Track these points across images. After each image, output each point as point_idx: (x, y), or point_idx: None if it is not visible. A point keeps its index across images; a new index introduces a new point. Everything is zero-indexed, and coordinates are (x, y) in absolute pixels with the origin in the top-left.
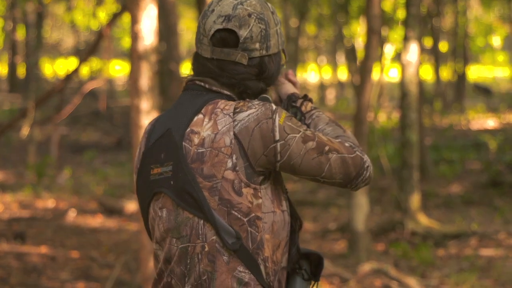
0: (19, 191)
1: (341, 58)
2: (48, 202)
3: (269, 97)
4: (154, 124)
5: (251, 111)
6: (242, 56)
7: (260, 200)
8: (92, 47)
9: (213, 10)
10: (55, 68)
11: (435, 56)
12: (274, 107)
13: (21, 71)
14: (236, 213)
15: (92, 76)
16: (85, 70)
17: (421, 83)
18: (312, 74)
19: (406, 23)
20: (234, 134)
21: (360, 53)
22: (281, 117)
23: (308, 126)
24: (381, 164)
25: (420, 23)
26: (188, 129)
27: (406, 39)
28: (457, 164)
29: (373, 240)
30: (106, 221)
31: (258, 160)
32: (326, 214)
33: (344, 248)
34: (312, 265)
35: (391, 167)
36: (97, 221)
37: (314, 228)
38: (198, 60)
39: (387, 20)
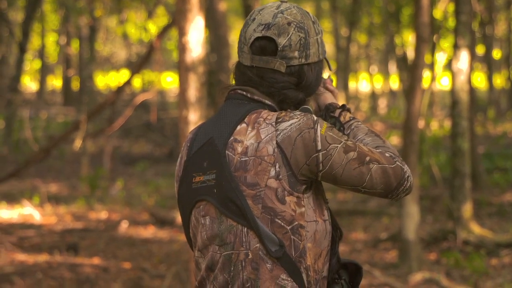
0: (73, 203)
1: (392, 67)
2: (101, 214)
3: (310, 108)
4: (196, 133)
5: (293, 121)
6: (280, 64)
7: (303, 209)
8: (143, 59)
9: (254, 19)
10: (108, 80)
11: (488, 64)
12: (315, 117)
13: (75, 84)
14: (279, 221)
15: (144, 88)
16: (137, 82)
17: (473, 91)
18: (364, 83)
19: (456, 31)
20: (277, 143)
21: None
22: (322, 128)
23: (347, 136)
24: (432, 173)
25: (471, 31)
26: (231, 137)
27: (456, 47)
28: (511, 173)
29: (424, 249)
30: (157, 232)
31: (301, 169)
32: (377, 224)
33: (395, 258)
34: (351, 275)
35: (443, 175)
36: (148, 232)
37: (365, 238)
38: (239, 69)
39: (439, 28)
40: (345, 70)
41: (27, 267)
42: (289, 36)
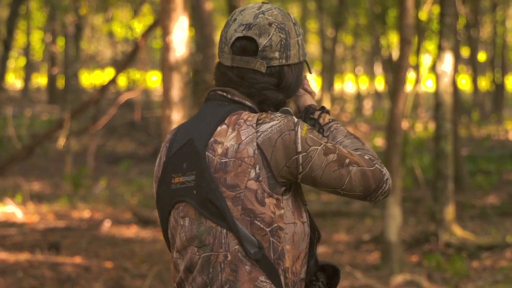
0: (55, 201)
1: (378, 68)
2: (84, 213)
3: (290, 110)
4: (175, 134)
5: (274, 122)
6: (261, 64)
7: (282, 211)
8: (128, 58)
9: (235, 19)
10: (93, 79)
11: (473, 66)
12: (296, 119)
13: (60, 82)
14: (259, 223)
15: (129, 87)
16: (122, 81)
17: (458, 93)
18: (349, 84)
19: (440, 33)
20: (257, 144)
21: None
22: (303, 129)
23: (327, 138)
24: (415, 175)
25: (456, 33)
26: (212, 139)
27: (440, 49)
28: (494, 175)
29: (407, 251)
30: (140, 232)
31: (281, 171)
32: (361, 225)
33: (377, 259)
34: (329, 277)
35: (427, 177)
36: (131, 231)
37: (348, 239)
38: (219, 69)
39: (424, 30)
40: (330, 71)
41: (8, 265)
42: (270, 36)
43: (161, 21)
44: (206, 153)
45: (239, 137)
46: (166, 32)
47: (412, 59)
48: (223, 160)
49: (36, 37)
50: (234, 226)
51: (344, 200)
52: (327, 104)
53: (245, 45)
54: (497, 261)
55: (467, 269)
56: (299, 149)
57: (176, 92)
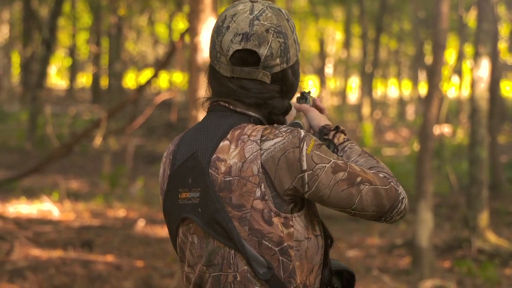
0: (92, 200)
1: (422, 73)
2: (119, 212)
3: (301, 123)
4: (178, 145)
5: (278, 139)
6: (264, 74)
7: (291, 229)
8: (165, 59)
9: (228, 27)
10: (137, 79)
11: None
12: (302, 134)
13: (104, 82)
14: (267, 243)
15: (170, 88)
16: (163, 82)
17: (501, 100)
18: (392, 88)
19: (477, 38)
20: (261, 163)
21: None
22: (309, 146)
23: (337, 155)
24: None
25: (497, 39)
26: (214, 155)
27: (477, 54)
28: None
29: (439, 257)
30: None
31: (286, 190)
32: (394, 230)
33: (408, 264)
34: (346, 281)
35: (465, 183)
36: (165, 231)
37: (381, 243)
38: (217, 78)
39: (467, 35)
40: (371, 76)
41: (41, 262)
42: (269, 44)
43: (190, 22)
44: (210, 170)
45: (242, 154)
46: (194, 33)
47: (456, 65)
48: (227, 179)
49: (82, 38)
50: (241, 247)
51: None
52: (367, 108)
53: (245, 57)
54: None
55: (499, 276)
56: (304, 167)
57: (203, 93)
